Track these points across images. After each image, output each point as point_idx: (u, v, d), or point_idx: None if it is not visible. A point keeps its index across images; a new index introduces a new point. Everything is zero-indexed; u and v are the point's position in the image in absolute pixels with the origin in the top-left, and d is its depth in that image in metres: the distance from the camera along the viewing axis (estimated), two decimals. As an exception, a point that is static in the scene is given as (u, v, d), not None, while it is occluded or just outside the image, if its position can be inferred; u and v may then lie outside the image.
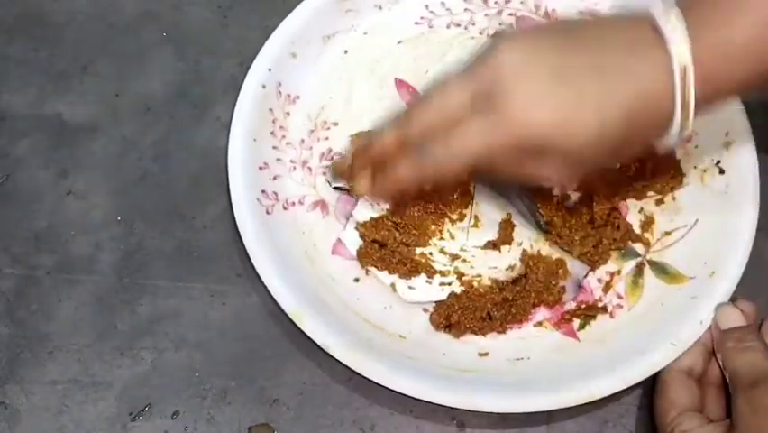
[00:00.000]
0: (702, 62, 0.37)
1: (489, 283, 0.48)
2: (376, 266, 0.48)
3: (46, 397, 0.46)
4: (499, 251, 0.49)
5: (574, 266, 0.49)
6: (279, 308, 0.45)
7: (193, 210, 0.51)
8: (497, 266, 0.49)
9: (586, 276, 0.49)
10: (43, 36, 0.55)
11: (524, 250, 0.49)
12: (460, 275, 0.49)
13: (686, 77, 0.37)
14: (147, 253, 0.49)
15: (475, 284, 0.48)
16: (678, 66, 0.37)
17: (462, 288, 0.48)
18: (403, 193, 0.46)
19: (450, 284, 0.48)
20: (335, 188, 0.50)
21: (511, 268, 0.49)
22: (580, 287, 0.48)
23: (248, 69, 0.51)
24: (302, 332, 0.45)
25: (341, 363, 0.44)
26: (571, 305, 0.48)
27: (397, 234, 0.49)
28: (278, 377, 0.46)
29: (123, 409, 0.45)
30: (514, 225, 0.50)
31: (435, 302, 0.48)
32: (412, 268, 0.48)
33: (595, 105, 0.38)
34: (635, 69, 0.38)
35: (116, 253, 0.49)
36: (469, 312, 0.47)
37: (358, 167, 0.45)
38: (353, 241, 0.49)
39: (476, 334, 0.47)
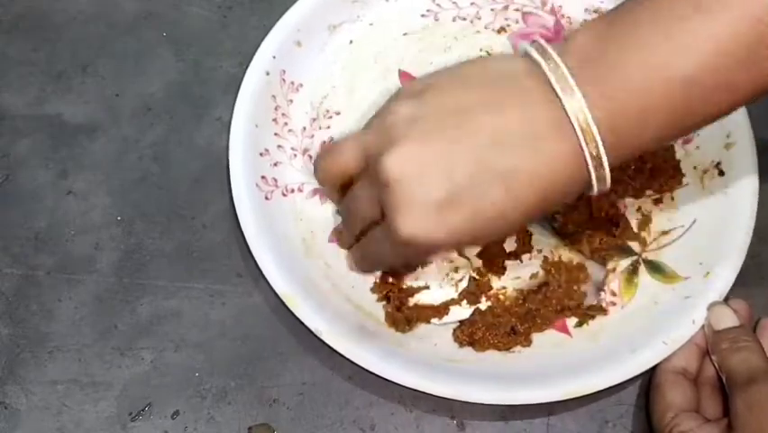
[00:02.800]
0: (605, 115, 0.35)
1: (514, 295, 0.48)
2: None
3: (46, 397, 0.46)
4: (521, 260, 0.49)
5: (593, 269, 0.49)
6: (279, 305, 0.46)
7: (193, 210, 0.51)
8: (519, 276, 0.49)
9: (605, 278, 0.49)
10: (43, 36, 0.55)
11: (545, 257, 0.49)
12: (486, 289, 0.48)
13: (588, 135, 0.35)
14: (147, 253, 0.49)
15: (501, 297, 0.48)
16: (578, 126, 0.35)
17: (489, 303, 0.48)
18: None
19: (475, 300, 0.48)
20: None
21: (534, 276, 0.48)
22: (600, 290, 0.48)
23: (247, 70, 0.51)
24: (301, 332, 0.45)
25: (336, 351, 0.44)
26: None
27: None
28: (278, 377, 0.47)
29: (123, 410, 0.45)
30: (530, 234, 0.49)
31: (459, 321, 0.48)
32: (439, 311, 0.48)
33: (493, 212, 0.37)
34: (532, 142, 0.36)
35: (116, 253, 0.49)
36: (493, 328, 0.47)
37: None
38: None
39: (500, 349, 0.46)
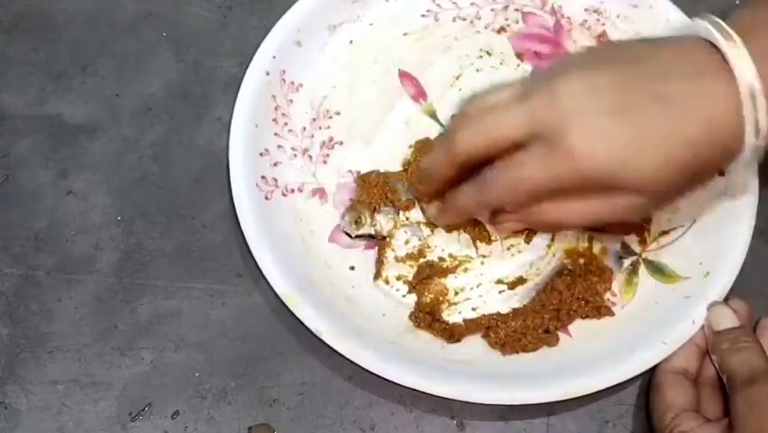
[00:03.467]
0: None
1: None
2: (426, 330, 0.47)
3: (46, 397, 0.46)
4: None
5: (606, 240, 0.49)
6: (279, 305, 0.46)
7: (193, 210, 0.51)
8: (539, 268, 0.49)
9: (621, 247, 0.49)
10: (43, 36, 0.55)
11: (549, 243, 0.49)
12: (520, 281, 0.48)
13: (756, 101, 0.37)
14: (147, 253, 0.49)
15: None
16: (747, 90, 0.37)
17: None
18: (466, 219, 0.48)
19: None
20: (357, 236, 0.49)
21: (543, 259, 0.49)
22: (620, 258, 0.49)
23: (248, 68, 0.51)
24: (301, 332, 0.45)
25: (336, 351, 0.44)
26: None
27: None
28: (278, 377, 0.47)
29: (123, 410, 0.45)
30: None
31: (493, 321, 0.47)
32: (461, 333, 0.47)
33: (659, 139, 0.38)
34: (700, 98, 0.38)
35: (116, 253, 0.49)
36: (528, 330, 0.46)
37: (422, 199, 0.48)
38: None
39: (527, 351, 0.46)
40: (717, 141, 0.38)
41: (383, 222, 0.49)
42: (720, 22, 0.39)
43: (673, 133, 0.38)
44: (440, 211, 0.48)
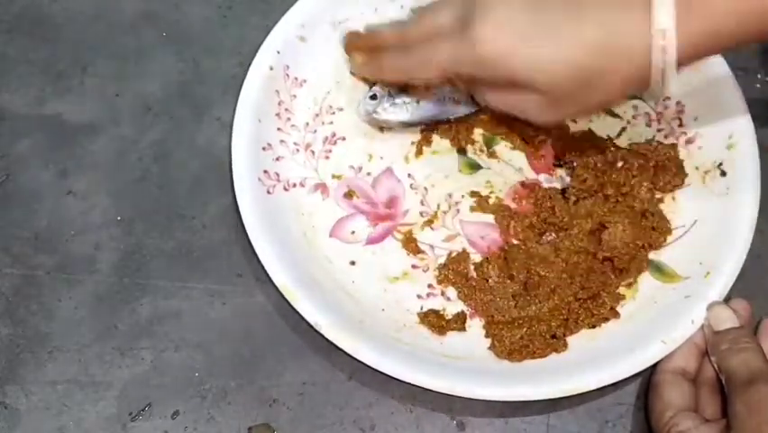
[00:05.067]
0: (687, 24, 0.38)
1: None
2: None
3: (46, 397, 0.46)
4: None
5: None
6: (279, 305, 0.46)
7: (193, 210, 0.51)
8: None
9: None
10: (43, 36, 0.55)
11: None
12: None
13: (666, 40, 0.38)
14: (147, 253, 0.49)
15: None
16: (658, 29, 0.38)
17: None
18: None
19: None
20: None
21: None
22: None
23: (248, 69, 0.51)
24: (301, 331, 0.45)
25: (335, 345, 0.44)
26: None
27: None
28: (278, 377, 0.47)
29: (123, 409, 0.45)
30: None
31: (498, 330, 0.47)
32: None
33: (560, 39, 0.40)
34: (613, 21, 0.39)
35: (116, 253, 0.49)
36: (536, 336, 0.46)
37: (352, 48, 0.51)
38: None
39: (534, 358, 0.46)
40: (620, 68, 0.40)
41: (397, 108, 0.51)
42: None
43: (575, 38, 0.40)
44: (364, 63, 0.50)
